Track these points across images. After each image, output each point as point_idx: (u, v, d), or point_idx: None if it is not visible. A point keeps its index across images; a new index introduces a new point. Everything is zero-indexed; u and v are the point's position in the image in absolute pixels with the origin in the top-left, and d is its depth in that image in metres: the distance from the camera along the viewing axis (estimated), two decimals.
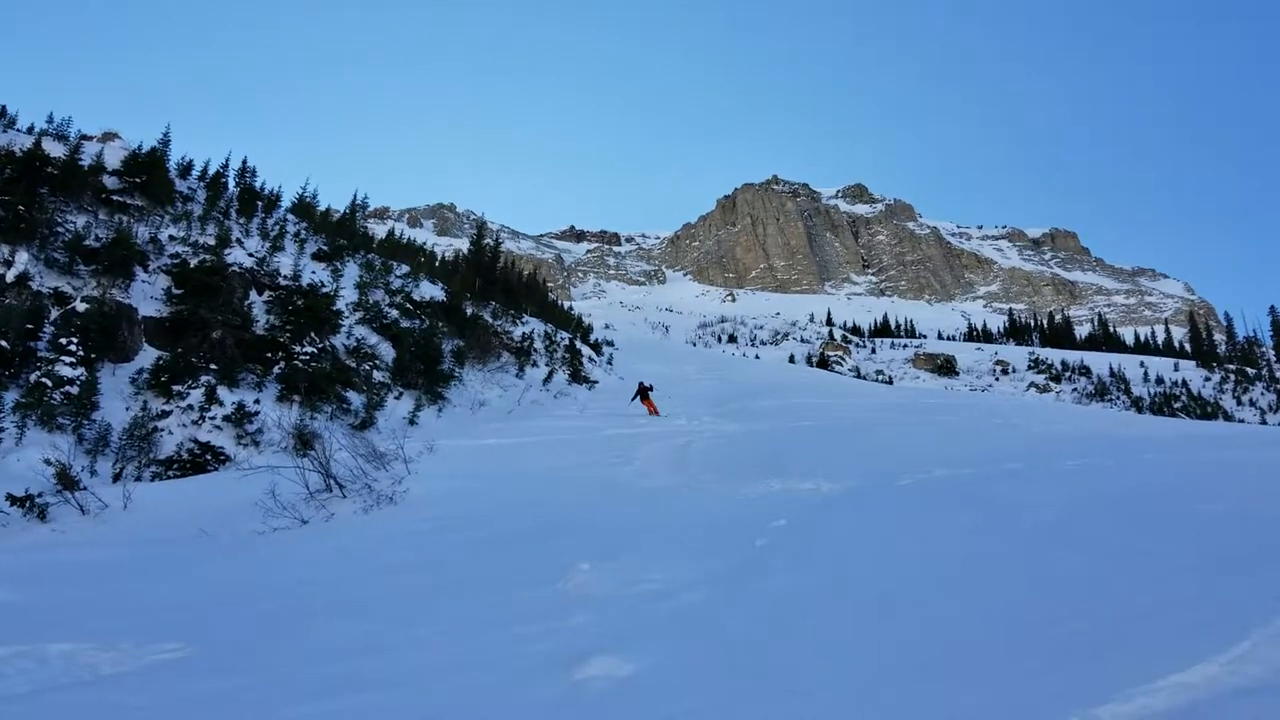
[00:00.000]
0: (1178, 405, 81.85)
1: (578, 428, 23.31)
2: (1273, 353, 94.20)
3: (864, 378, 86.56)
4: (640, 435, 21.68)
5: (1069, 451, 13.90)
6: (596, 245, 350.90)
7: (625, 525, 10.36)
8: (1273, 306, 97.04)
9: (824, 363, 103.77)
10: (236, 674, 5.59)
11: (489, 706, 4.75)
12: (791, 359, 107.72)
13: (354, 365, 25.71)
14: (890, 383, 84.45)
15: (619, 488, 14.76)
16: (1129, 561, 6.30)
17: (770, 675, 4.88)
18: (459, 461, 17.52)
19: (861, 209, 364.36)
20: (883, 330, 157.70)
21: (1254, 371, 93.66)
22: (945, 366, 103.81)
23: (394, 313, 30.51)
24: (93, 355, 18.85)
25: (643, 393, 29.14)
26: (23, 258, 19.73)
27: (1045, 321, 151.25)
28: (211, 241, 25.63)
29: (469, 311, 34.74)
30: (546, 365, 35.16)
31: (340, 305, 27.81)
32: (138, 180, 26.78)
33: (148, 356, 20.64)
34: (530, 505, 13.51)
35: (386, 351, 27.77)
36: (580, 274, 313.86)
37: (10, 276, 19.07)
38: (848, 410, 25.33)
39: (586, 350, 42.32)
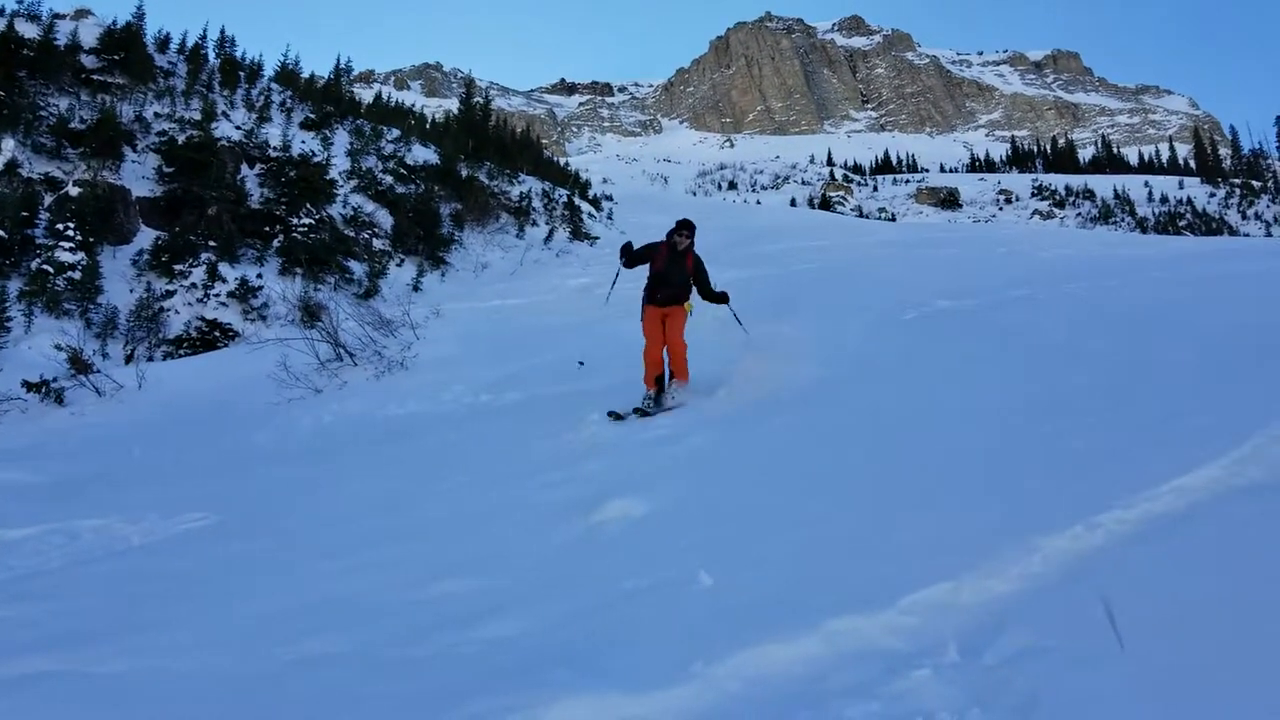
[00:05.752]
0: (1182, 223, 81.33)
1: (582, 285, 23.29)
2: (1278, 164, 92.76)
3: (867, 216, 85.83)
4: (640, 288, 21.67)
5: (1073, 275, 13.89)
6: (589, 97, 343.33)
7: (634, 376, 10.47)
8: (1278, 116, 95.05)
9: (826, 204, 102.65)
10: (263, 537, 5.76)
11: (510, 551, 4.91)
12: (793, 202, 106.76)
13: (353, 234, 25.48)
14: (893, 220, 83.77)
15: (626, 340, 14.84)
16: (1133, 376, 6.38)
17: (777, 508, 5.02)
18: (466, 324, 17.61)
19: (859, 42, 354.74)
20: (884, 167, 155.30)
21: (1259, 184, 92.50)
22: (948, 200, 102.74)
23: (388, 179, 30.03)
24: (91, 239, 18.69)
25: None
26: (9, 144, 19.41)
27: (1048, 147, 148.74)
28: (197, 116, 25.08)
29: (464, 173, 34.12)
30: (546, 224, 34.71)
31: (333, 174, 27.32)
32: (116, 58, 26.01)
33: (146, 237, 20.50)
34: (540, 365, 13.65)
35: (384, 219, 27.47)
36: (574, 128, 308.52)
37: None
38: (850, 250, 25.20)
39: (586, 206, 41.70)
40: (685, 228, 9.45)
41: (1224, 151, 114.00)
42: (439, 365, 13.78)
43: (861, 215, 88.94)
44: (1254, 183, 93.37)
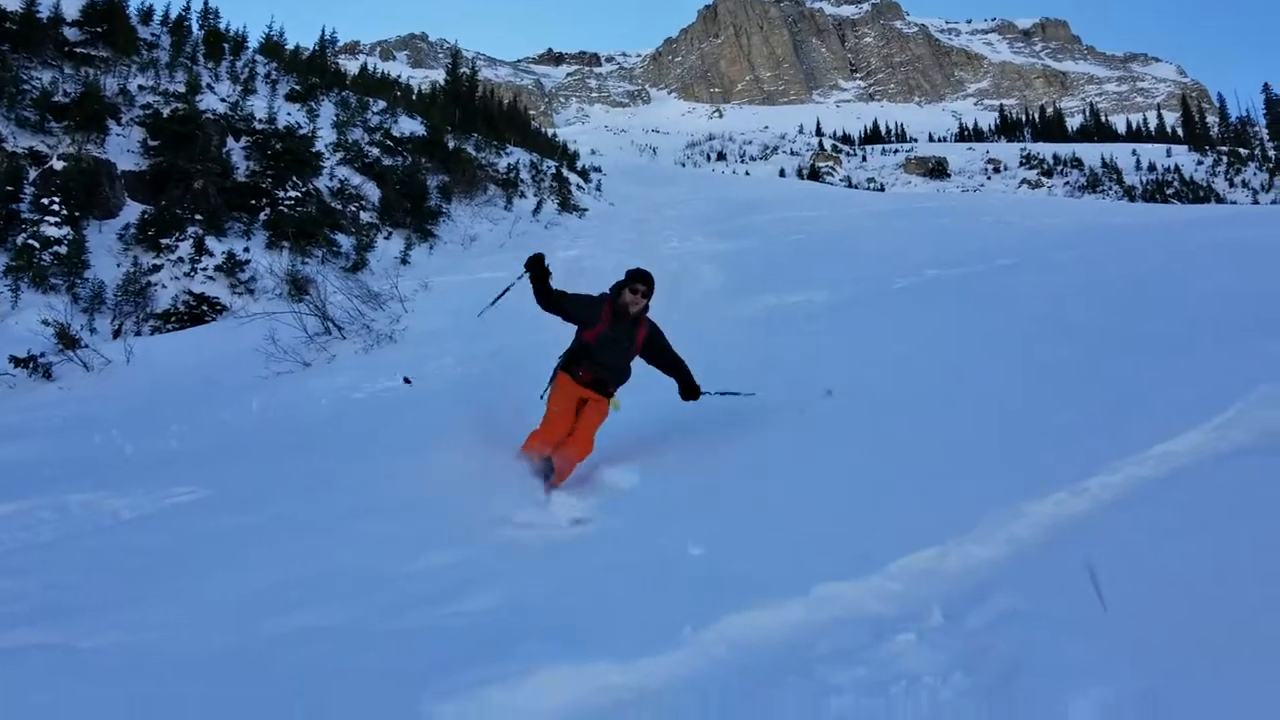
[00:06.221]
0: (1170, 192, 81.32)
1: (570, 257, 23.24)
2: (1265, 131, 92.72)
3: (855, 187, 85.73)
4: (634, 260, 21.61)
5: (1061, 244, 13.93)
6: (576, 67, 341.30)
7: None
8: (1266, 84, 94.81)
9: (815, 174, 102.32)
10: (252, 511, 5.75)
11: (500, 523, 4.92)
12: (782, 173, 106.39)
13: (340, 207, 25.42)
14: (882, 190, 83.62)
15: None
16: (1121, 344, 6.41)
17: (767, 478, 5.06)
18: (455, 297, 17.55)
19: (847, 10, 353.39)
20: (873, 137, 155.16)
21: (1246, 152, 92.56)
22: (937, 169, 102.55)
23: (375, 151, 29.93)
24: (76, 214, 18.64)
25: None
26: None
27: (1036, 116, 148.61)
28: (182, 89, 24.98)
29: (451, 145, 34.04)
30: (534, 196, 34.65)
31: (320, 146, 27.26)
32: (99, 30, 25.85)
33: (132, 211, 20.42)
34: (532, 341, 13.62)
35: (371, 191, 27.40)
36: (562, 99, 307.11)
37: None
38: (839, 221, 25.21)
39: (574, 178, 41.61)
40: (641, 281, 6.25)
41: (1211, 119, 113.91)
42: (428, 338, 13.77)
43: (850, 185, 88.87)
44: (1241, 150, 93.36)
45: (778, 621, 3.16)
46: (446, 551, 4.45)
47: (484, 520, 4.97)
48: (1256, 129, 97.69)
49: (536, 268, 6.22)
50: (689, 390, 6.47)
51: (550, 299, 6.27)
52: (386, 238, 25.46)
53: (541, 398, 6.41)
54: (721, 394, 6.69)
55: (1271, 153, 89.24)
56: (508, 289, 7.07)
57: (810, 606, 3.24)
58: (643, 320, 6.34)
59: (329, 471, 6.86)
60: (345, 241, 23.87)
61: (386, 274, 19.86)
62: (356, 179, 27.46)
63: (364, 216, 25.90)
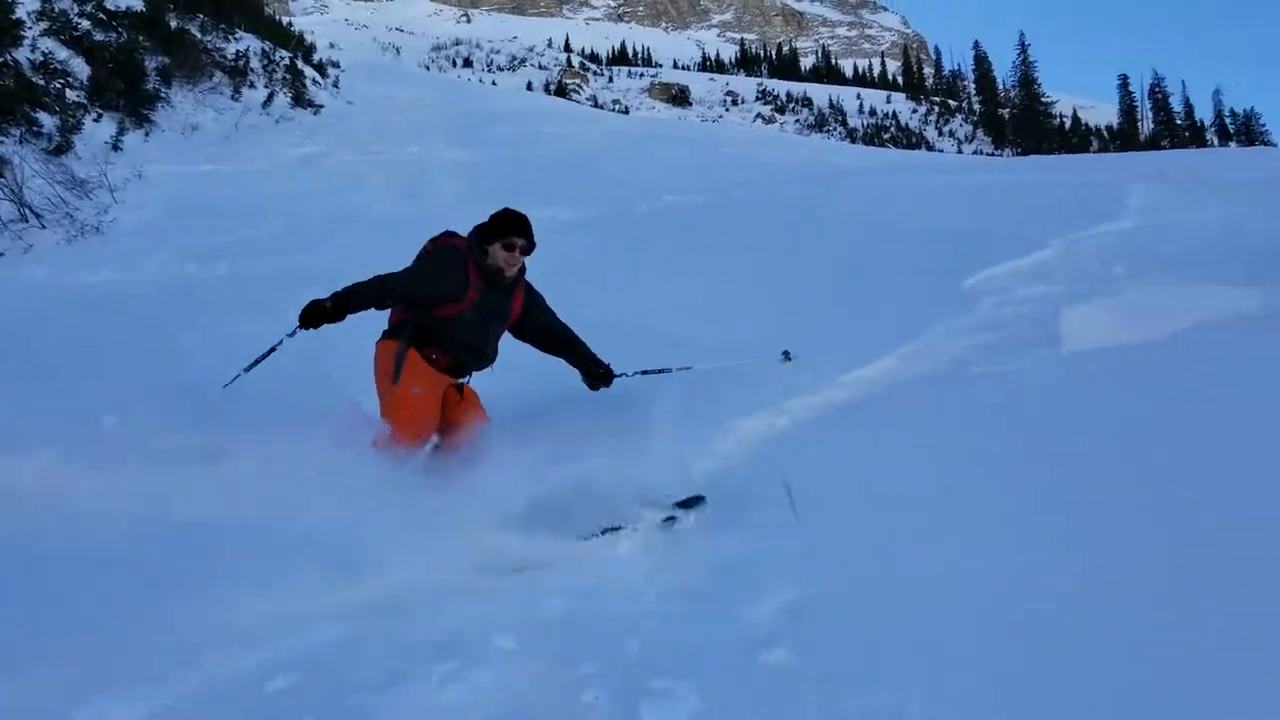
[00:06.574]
0: (887, 136, 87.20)
1: (304, 155, 22.21)
2: (973, 86, 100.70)
3: (601, 107, 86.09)
4: (371, 163, 20.95)
5: (794, 179, 14.76)
6: None
7: (358, 261, 10.28)
8: (976, 41, 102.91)
9: (562, 91, 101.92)
10: None
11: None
12: (529, 86, 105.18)
13: (43, 83, 22.95)
14: (626, 112, 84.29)
15: (351, 217, 14.41)
16: (840, 276, 6.98)
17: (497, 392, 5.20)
18: (173, 189, 16.48)
19: None
20: (620, 59, 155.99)
21: (955, 104, 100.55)
22: (679, 97, 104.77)
23: (86, 24, 27.08)
24: None
25: None
26: None
27: (774, 53, 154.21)
28: None
29: (173, 25, 31.39)
30: (265, 87, 32.47)
31: (20, 14, 24.39)
32: None
33: None
34: (254, 236, 13.01)
35: (80, 68, 24.83)
36: None
37: None
38: (585, 140, 25.28)
39: (310, 72, 39.19)
40: (520, 233, 4.72)
41: (928, 71, 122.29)
42: (141, 231, 12.88)
43: (596, 105, 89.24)
44: (951, 102, 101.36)
45: (508, 533, 3.33)
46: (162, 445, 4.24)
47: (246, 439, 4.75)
48: (965, 83, 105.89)
49: (319, 316, 4.09)
50: (596, 374, 4.82)
51: (383, 296, 4.29)
52: (96, 120, 23.24)
53: (394, 383, 4.34)
54: (644, 373, 5.07)
55: (977, 106, 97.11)
56: (272, 349, 4.64)
57: (524, 521, 3.42)
58: (520, 283, 4.78)
59: (38, 372, 6.38)
60: (48, 121, 21.63)
61: (95, 160, 18.24)
62: (63, 53, 24.79)
63: (70, 95, 23.48)
